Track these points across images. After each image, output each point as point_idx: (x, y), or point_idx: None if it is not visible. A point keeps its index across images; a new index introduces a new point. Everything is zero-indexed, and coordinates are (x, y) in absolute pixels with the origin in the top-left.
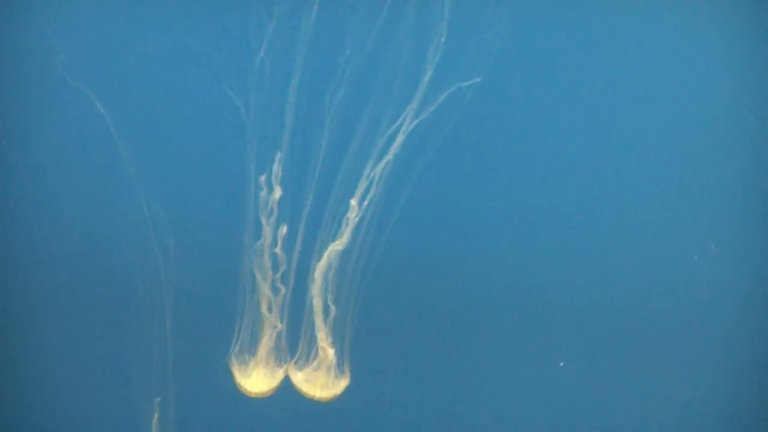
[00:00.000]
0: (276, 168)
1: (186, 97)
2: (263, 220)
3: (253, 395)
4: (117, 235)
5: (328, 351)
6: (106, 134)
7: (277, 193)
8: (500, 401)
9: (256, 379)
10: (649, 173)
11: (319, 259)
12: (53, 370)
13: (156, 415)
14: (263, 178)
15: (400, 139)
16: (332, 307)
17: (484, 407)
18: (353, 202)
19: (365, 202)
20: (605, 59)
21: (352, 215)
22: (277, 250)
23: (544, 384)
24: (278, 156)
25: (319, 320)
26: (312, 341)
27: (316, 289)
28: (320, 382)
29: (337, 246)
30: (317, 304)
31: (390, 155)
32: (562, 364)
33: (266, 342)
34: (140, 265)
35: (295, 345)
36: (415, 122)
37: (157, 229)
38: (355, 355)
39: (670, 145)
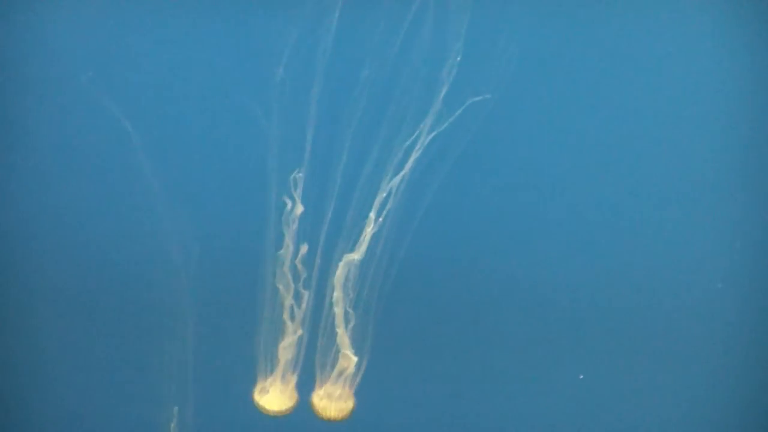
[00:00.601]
0: (297, 182)
1: (207, 106)
2: (285, 232)
3: (270, 413)
4: (138, 241)
5: (350, 359)
6: (128, 144)
7: (299, 209)
8: (520, 408)
9: (272, 396)
10: (675, 181)
11: (336, 270)
12: (70, 376)
13: (173, 423)
14: (287, 199)
15: (416, 153)
16: (351, 314)
17: (502, 413)
18: (372, 215)
19: (382, 214)
20: (617, 73)
21: (369, 228)
22: (297, 262)
23: (565, 393)
24: (299, 173)
25: (340, 330)
26: (330, 356)
27: (336, 297)
28: (337, 397)
29: (353, 256)
30: (338, 312)
31: (406, 168)
32: (581, 376)
33: (285, 355)
34: (161, 273)
35: (313, 360)
36: (431, 136)
37: (178, 236)
38: (374, 360)
39: (688, 151)
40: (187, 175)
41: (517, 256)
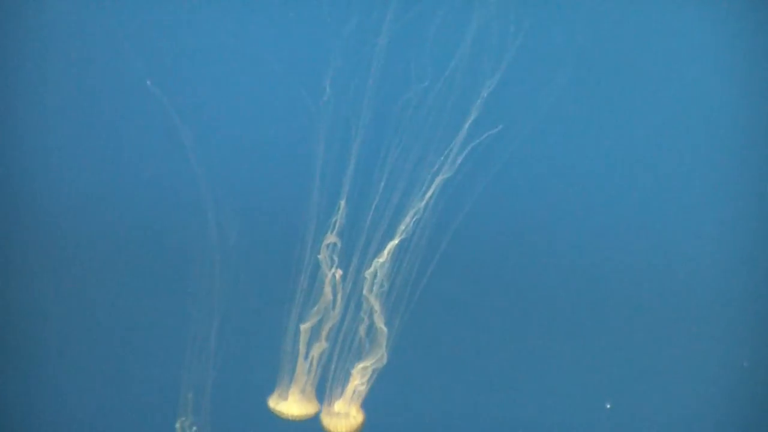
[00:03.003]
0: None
1: (256, 96)
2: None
3: (287, 417)
4: (174, 231)
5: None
6: (176, 138)
7: (331, 238)
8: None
9: (291, 403)
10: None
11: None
12: (91, 378)
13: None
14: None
15: (443, 175)
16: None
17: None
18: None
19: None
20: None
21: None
22: (336, 271)
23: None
24: (342, 204)
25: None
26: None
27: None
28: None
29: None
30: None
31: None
32: (609, 406)
33: (306, 365)
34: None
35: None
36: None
37: (217, 229)
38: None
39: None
40: (232, 172)
41: (545, 265)
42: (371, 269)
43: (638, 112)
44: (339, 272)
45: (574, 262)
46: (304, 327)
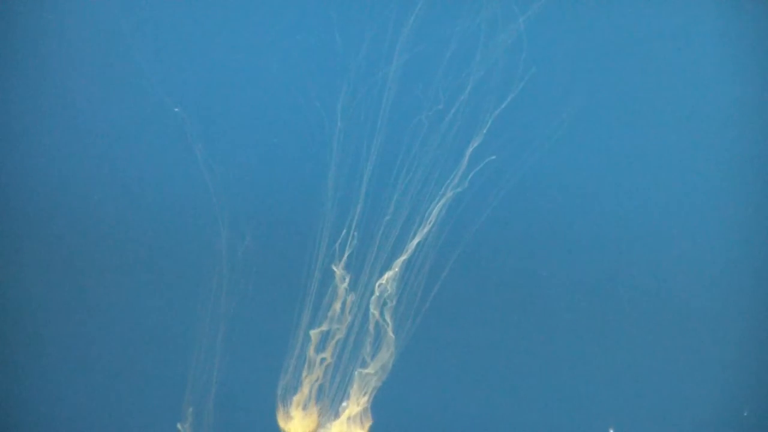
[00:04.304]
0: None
1: (273, 105)
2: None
3: None
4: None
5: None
6: (189, 149)
7: (341, 273)
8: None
9: (296, 421)
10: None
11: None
12: (101, 378)
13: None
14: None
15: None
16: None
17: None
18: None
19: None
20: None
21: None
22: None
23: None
24: (352, 236)
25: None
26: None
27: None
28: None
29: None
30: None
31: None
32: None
33: (312, 380)
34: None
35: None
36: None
37: (226, 232)
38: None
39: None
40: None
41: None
42: (381, 281)
43: (642, 118)
44: (351, 296)
45: (579, 269)
46: (313, 335)
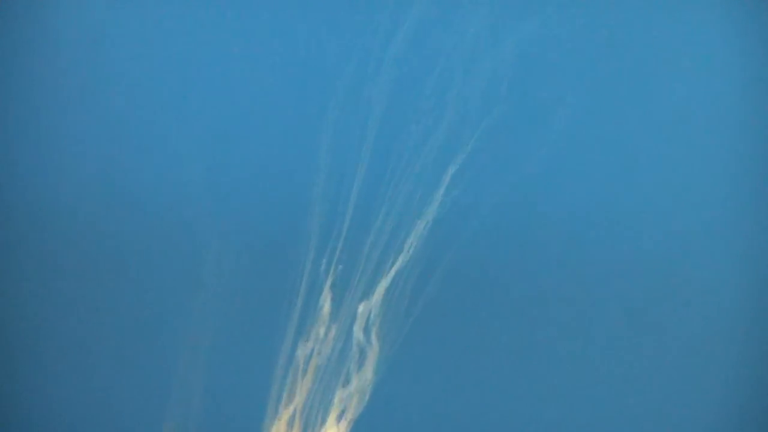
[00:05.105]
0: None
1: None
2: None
3: None
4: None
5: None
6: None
7: (328, 299)
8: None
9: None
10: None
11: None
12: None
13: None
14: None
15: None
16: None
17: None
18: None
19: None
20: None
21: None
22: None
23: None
24: (338, 267)
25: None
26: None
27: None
28: None
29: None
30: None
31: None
32: None
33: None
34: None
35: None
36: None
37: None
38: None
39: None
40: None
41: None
42: (369, 301)
43: (640, 118)
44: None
45: (578, 270)
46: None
